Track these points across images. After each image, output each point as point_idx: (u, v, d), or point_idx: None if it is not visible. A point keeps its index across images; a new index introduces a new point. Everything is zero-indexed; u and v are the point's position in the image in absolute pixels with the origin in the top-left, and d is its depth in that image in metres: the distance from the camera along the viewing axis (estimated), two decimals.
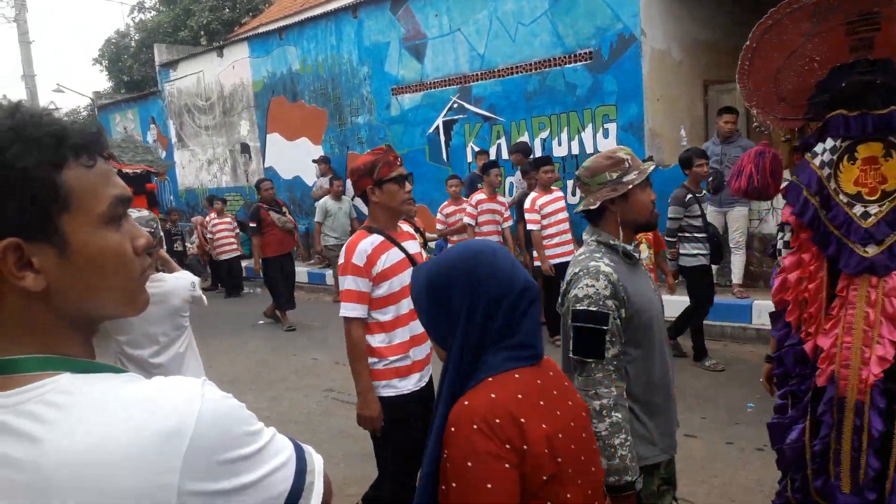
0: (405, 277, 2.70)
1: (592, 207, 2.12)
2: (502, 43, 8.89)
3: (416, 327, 2.75)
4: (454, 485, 1.22)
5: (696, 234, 5.51)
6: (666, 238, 5.64)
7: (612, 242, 2.12)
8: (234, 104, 13.40)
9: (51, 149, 0.80)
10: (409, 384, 2.80)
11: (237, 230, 10.91)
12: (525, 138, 8.80)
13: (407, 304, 2.72)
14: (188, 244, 11.87)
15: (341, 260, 2.76)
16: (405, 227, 3.01)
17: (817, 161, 2.11)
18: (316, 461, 0.93)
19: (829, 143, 2.09)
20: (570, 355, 2.02)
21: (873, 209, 1.99)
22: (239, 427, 0.82)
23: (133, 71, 21.73)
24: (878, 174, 2.00)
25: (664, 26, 8.01)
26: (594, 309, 1.96)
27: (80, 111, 26.96)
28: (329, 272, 10.13)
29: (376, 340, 2.77)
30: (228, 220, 10.83)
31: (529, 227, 6.35)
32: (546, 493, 1.25)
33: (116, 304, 0.89)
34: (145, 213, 3.13)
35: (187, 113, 14.62)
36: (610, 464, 1.90)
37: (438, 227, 7.43)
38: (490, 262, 1.33)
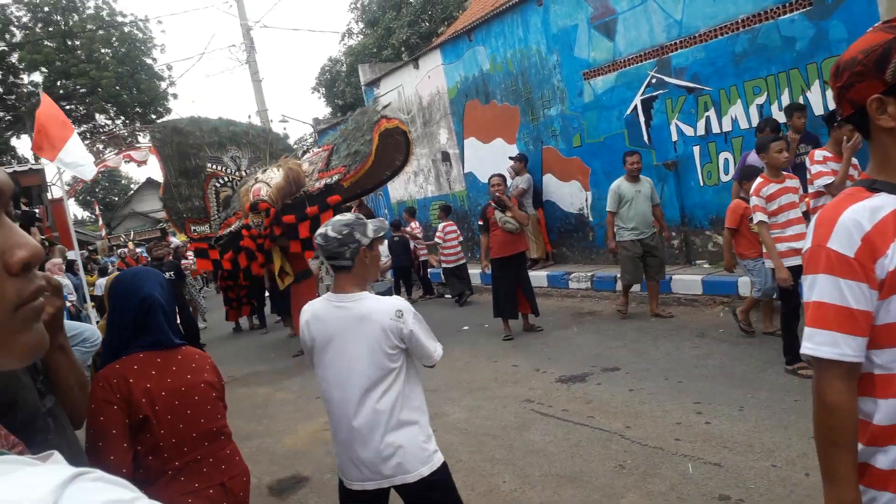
0: None
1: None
2: (702, 4, 7.91)
3: None
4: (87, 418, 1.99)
5: None
6: None
7: None
8: (432, 114, 13.67)
9: None
10: None
11: (460, 237, 11.07)
12: (738, 105, 7.75)
13: None
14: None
15: (806, 243, 1.44)
16: None
17: None
18: None
19: None
20: None
21: None
22: None
23: (346, 94, 23.36)
24: None
25: None
26: None
27: (306, 138, 29.69)
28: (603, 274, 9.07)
29: (870, 408, 1.39)
30: (454, 226, 11.00)
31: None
32: (145, 427, 2.04)
33: None
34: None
35: None
36: None
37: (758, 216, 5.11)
38: (121, 283, 2.21)
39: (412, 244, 11.95)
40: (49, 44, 26.59)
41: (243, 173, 10.03)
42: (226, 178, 10.36)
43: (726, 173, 8.10)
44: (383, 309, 2.41)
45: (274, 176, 8.01)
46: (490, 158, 11.88)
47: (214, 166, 10.35)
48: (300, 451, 5.15)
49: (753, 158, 6.06)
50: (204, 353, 2.37)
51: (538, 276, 9.86)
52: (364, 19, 25.42)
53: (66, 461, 0.68)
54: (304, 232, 8.05)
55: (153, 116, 32.84)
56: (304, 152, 9.33)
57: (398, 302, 2.47)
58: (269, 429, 5.85)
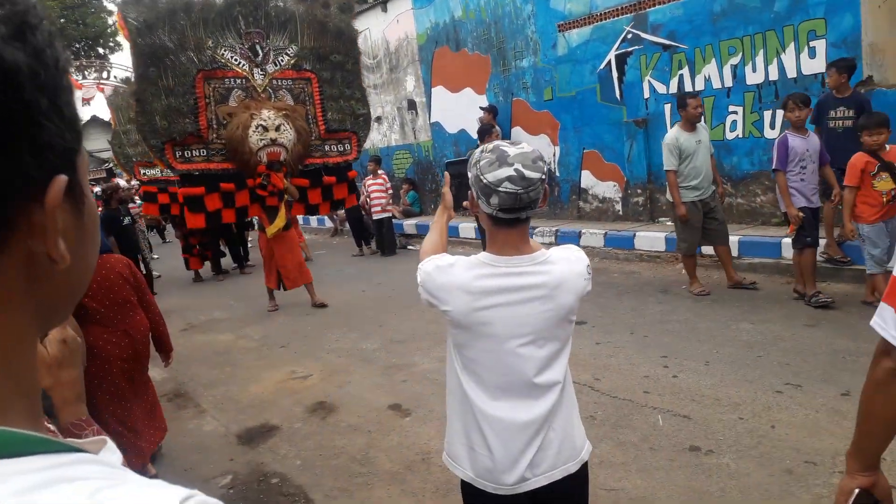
0: None
1: None
2: None
3: None
4: None
5: None
6: None
7: None
8: (399, 60, 13.33)
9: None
10: None
11: (390, 190, 10.90)
12: (712, 65, 7.76)
13: None
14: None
15: None
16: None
17: None
18: None
19: None
20: None
21: None
22: None
23: None
24: None
25: None
26: None
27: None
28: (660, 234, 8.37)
29: None
30: (381, 180, 10.86)
31: None
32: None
33: (74, 302, 0.58)
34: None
35: None
36: None
37: None
38: None
39: (362, 196, 11.41)
40: None
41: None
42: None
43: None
44: (577, 269, 1.80)
45: (288, 136, 7.32)
46: (458, 109, 11.70)
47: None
48: (267, 399, 5.10)
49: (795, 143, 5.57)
50: (119, 258, 3.87)
51: None
52: None
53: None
54: (314, 198, 7.81)
55: (102, 51, 31.33)
56: (257, 58, 7.45)
57: (579, 253, 1.87)
58: (232, 377, 5.76)
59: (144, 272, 8.73)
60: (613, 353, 5.07)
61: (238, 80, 7.36)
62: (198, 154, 7.24)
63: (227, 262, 11.52)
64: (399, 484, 3.55)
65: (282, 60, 7.59)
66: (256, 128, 7.15)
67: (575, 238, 9.09)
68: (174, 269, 11.80)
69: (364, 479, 3.66)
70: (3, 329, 0.48)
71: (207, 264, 11.16)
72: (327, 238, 14.56)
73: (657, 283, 7.01)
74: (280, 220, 7.54)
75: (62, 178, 0.48)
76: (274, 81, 7.55)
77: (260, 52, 7.44)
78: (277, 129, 7.21)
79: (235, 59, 7.33)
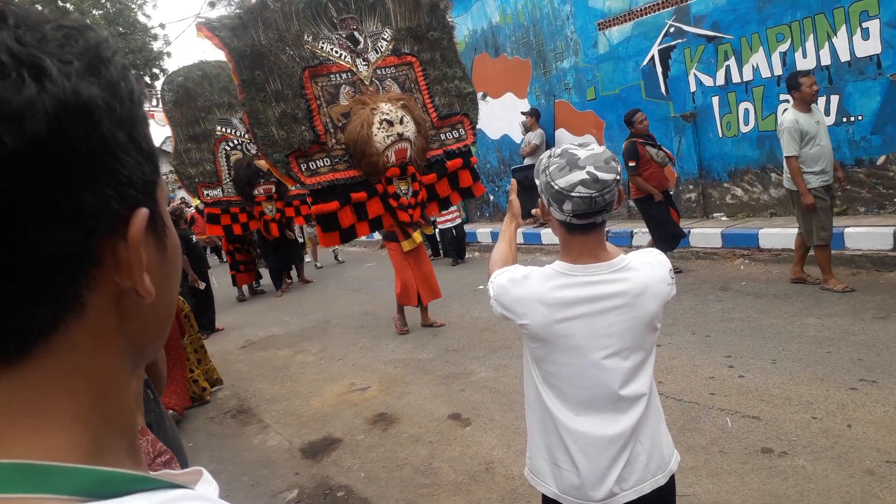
0: None
1: None
2: None
3: None
4: None
5: None
6: None
7: None
8: None
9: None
10: None
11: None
12: (760, 54, 7.56)
13: None
14: None
15: None
16: None
17: None
18: None
19: None
20: None
21: None
22: None
23: None
24: None
25: None
26: None
27: None
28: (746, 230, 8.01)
29: None
30: None
31: None
32: None
33: (164, 336, 0.58)
34: None
35: None
36: None
37: None
38: None
39: None
40: (40, 7, 26.08)
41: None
42: (236, 142, 10.25)
43: (746, 124, 7.94)
44: (660, 274, 1.71)
45: (411, 128, 6.45)
46: (500, 114, 11.67)
47: (224, 129, 10.20)
48: (328, 412, 5.15)
49: None
50: None
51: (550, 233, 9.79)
52: None
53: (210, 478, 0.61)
54: (444, 190, 6.92)
55: (147, 80, 32.35)
56: (358, 46, 6.51)
57: (660, 257, 1.77)
58: (293, 391, 5.85)
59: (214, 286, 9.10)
60: (676, 354, 4.97)
61: (343, 75, 6.43)
62: (322, 164, 6.28)
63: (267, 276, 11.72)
64: (465, 494, 3.54)
65: (381, 47, 6.67)
66: (381, 123, 6.24)
67: (627, 238, 8.95)
68: (231, 287, 12.07)
69: (429, 491, 3.66)
70: (98, 367, 0.48)
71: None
72: (376, 250, 14.66)
73: (715, 281, 6.84)
74: (418, 236, 6.81)
75: (144, 212, 0.48)
76: (378, 71, 6.63)
77: (360, 39, 6.52)
78: (401, 121, 6.35)
79: (336, 52, 6.40)
